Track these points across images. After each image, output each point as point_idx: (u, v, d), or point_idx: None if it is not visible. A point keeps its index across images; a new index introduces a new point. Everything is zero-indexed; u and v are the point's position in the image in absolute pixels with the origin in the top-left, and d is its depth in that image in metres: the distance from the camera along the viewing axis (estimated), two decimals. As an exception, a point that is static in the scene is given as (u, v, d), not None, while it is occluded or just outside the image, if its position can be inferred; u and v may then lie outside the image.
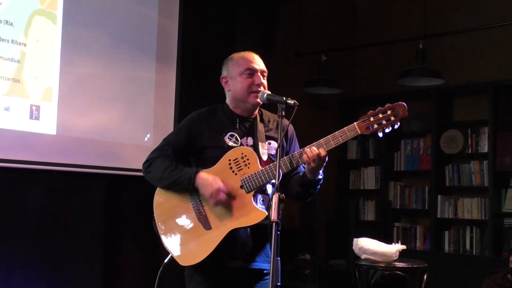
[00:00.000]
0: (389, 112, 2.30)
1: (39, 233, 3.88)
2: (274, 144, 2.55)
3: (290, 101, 2.34)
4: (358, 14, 6.79)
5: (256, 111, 2.61)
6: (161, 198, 2.53)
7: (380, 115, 2.30)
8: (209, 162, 2.48)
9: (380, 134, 2.32)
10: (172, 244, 2.48)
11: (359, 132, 2.33)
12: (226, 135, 2.52)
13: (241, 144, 2.51)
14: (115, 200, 4.29)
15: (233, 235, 2.41)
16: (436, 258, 5.65)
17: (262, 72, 2.57)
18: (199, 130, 2.54)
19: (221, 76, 2.62)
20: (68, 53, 3.97)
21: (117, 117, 4.24)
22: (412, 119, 6.27)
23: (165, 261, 2.61)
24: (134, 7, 4.38)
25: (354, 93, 6.54)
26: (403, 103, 2.28)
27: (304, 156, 2.33)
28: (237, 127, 2.56)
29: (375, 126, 2.30)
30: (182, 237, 2.47)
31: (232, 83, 2.57)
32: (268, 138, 2.57)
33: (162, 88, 4.56)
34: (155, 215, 2.52)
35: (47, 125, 3.86)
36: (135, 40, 4.38)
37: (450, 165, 5.96)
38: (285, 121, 2.48)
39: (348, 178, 6.72)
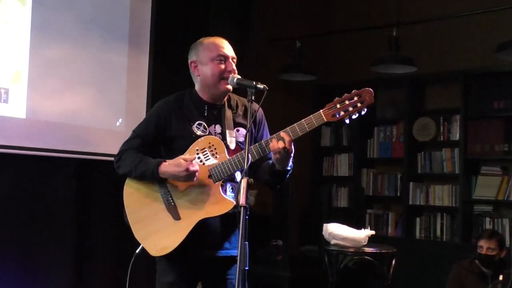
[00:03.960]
0: (355, 98, 2.29)
1: (7, 219, 3.83)
2: (243, 131, 2.54)
3: (260, 86, 2.33)
4: (332, 1, 6.78)
5: (225, 98, 2.60)
6: (131, 188, 2.53)
7: (347, 102, 2.29)
8: (177, 152, 2.47)
9: (347, 121, 2.31)
10: (142, 234, 2.49)
11: (325, 119, 2.32)
12: (194, 124, 2.51)
13: (209, 133, 2.51)
14: (85, 185, 4.25)
15: (202, 224, 2.42)
16: (407, 244, 5.72)
17: (232, 58, 2.56)
18: (168, 119, 2.53)
19: (190, 61, 2.59)
20: (37, 35, 3.91)
21: (88, 101, 4.20)
22: (386, 106, 6.31)
23: (137, 251, 2.61)
24: (106, -11, 4.31)
25: (328, 80, 6.55)
26: (370, 89, 2.27)
27: (270, 145, 2.33)
28: (205, 114, 2.55)
29: (342, 113, 2.29)
30: (151, 228, 2.48)
31: (203, 68, 2.55)
32: (236, 124, 2.56)
33: (135, 73, 4.52)
34: (125, 205, 2.53)
35: (16, 108, 3.80)
36: (107, 23, 4.32)
37: (422, 152, 6.02)
38: (255, 106, 2.44)
39: (322, 165, 6.75)
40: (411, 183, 5.99)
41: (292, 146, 2.33)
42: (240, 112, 2.61)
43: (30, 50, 3.87)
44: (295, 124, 2.34)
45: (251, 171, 2.45)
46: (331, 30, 6.56)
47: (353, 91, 2.30)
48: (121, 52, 4.42)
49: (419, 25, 5.71)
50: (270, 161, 2.50)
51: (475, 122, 5.63)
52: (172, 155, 2.47)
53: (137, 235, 2.49)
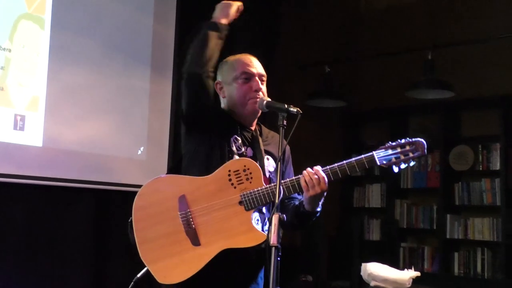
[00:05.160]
0: (407, 147, 2.17)
1: (22, 253, 3.66)
2: (272, 161, 2.33)
3: (293, 109, 2.10)
4: (362, 24, 6.57)
5: (255, 122, 2.38)
6: (143, 202, 2.21)
7: (399, 149, 2.17)
8: (205, 157, 2.23)
9: (396, 169, 2.18)
10: (151, 257, 2.17)
11: (378, 163, 2.16)
12: (231, 137, 2.28)
13: (243, 154, 2.27)
14: (104, 218, 4.05)
15: (225, 255, 2.13)
16: (445, 281, 5.41)
17: (260, 76, 2.34)
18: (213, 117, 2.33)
19: (215, 82, 2.37)
20: (56, 60, 3.75)
21: (108, 129, 4.02)
22: (419, 133, 6.03)
23: (138, 275, 2.32)
24: (128, 12, 4.17)
25: (359, 106, 6.31)
26: (423, 140, 2.17)
27: (302, 182, 2.11)
28: (238, 133, 2.31)
29: (393, 159, 2.15)
30: (163, 250, 2.16)
31: (227, 89, 2.34)
32: (266, 153, 2.34)
33: (157, 99, 4.34)
34: (133, 219, 2.20)
35: (33, 136, 3.63)
36: (129, 47, 4.17)
37: (460, 182, 5.72)
38: (284, 141, 2.26)
39: (352, 195, 6.47)
40: (448, 215, 5.68)
41: (326, 185, 2.12)
42: (270, 141, 2.40)
43: (48, 75, 3.71)
44: (344, 162, 2.14)
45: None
46: (361, 54, 6.34)
47: (406, 140, 2.20)
48: (143, 78, 4.25)
49: (455, 48, 5.47)
50: (296, 201, 2.28)
51: (517, 150, 5.33)
52: (196, 159, 2.25)
53: (145, 257, 2.17)
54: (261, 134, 2.39)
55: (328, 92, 5.64)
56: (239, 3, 2.38)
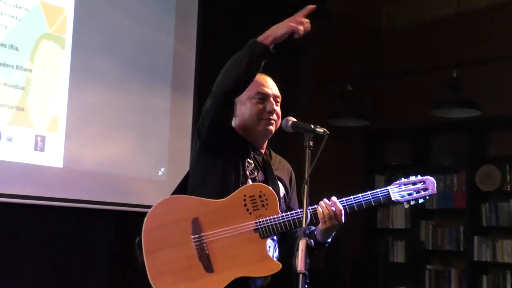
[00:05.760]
0: (419, 185, 2.21)
1: (40, 275, 3.61)
2: (281, 186, 2.30)
3: (319, 130, 2.05)
4: (384, 42, 6.50)
5: (265, 145, 2.34)
6: (154, 223, 2.14)
7: (411, 186, 2.21)
8: (219, 179, 2.17)
9: (406, 206, 2.26)
10: (159, 280, 2.09)
11: (392, 198, 2.19)
12: (245, 159, 2.24)
13: (255, 178, 2.23)
14: (123, 240, 3.98)
15: (239, 284, 2.08)
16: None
17: (275, 97, 2.29)
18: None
19: None
20: (77, 80, 3.72)
21: (129, 149, 3.98)
22: (444, 153, 5.92)
23: None
24: (148, 31, 4.14)
25: (381, 125, 6.21)
26: (433, 179, 2.24)
27: (319, 213, 2.10)
28: (251, 156, 2.27)
29: (406, 196, 2.19)
30: (175, 275, 2.09)
31: (240, 108, 2.29)
32: (276, 178, 2.30)
33: (178, 119, 4.29)
34: (143, 241, 2.13)
35: (53, 157, 3.60)
36: (149, 67, 4.13)
37: (487, 203, 5.59)
38: (287, 163, 2.35)
39: (376, 216, 6.34)
40: (475, 236, 5.55)
41: (343, 218, 2.11)
42: (278, 166, 2.36)
43: (68, 95, 3.68)
44: (360, 196, 2.17)
45: (281, 237, 2.25)
46: (384, 72, 6.26)
47: (417, 177, 2.25)
48: (164, 97, 4.21)
49: (480, 66, 5.37)
50: (306, 231, 2.17)
51: (546, 170, 5.20)
52: (210, 178, 2.18)
53: (152, 279, 2.10)
54: (270, 158, 2.36)
55: (350, 111, 5.56)
56: (307, 25, 2.15)
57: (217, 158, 2.21)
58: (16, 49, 3.47)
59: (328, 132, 2.05)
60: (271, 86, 2.30)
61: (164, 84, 4.21)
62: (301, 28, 2.08)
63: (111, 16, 3.91)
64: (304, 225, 1.90)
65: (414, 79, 5.95)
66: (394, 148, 6.32)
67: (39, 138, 3.55)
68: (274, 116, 2.27)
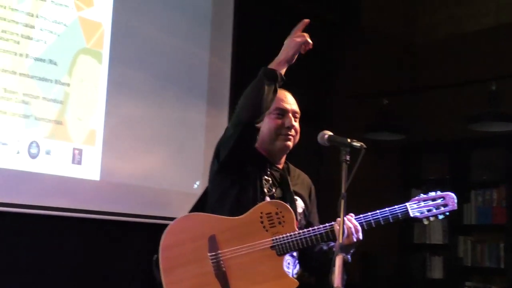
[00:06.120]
0: (438, 201, 2.21)
1: (76, 287, 3.65)
2: (301, 202, 2.31)
3: (356, 144, 2.04)
4: (420, 54, 6.43)
5: (283, 160, 2.34)
6: (171, 240, 2.16)
7: (430, 202, 2.21)
8: (236, 197, 2.19)
9: (426, 222, 2.24)
10: None
11: (411, 215, 2.19)
12: (262, 176, 2.25)
13: (273, 195, 2.25)
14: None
15: None
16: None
17: (293, 112, 2.32)
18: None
19: None
20: (113, 93, 3.77)
21: (164, 162, 4.01)
22: (483, 167, 5.79)
23: None
24: (184, 46, 4.18)
25: (418, 139, 6.11)
26: (453, 194, 2.24)
27: (336, 230, 2.10)
28: (268, 173, 2.28)
29: (425, 212, 2.20)
30: None
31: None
32: (295, 194, 2.31)
33: (213, 132, 4.28)
34: (160, 258, 2.15)
35: (90, 170, 3.64)
36: (185, 81, 4.17)
37: (529, 219, 5.43)
38: (306, 177, 2.35)
39: (412, 231, 6.23)
40: (516, 253, 5.38)
41: (361, 234, 2.12)
42: (297, 181, 2.37)
43: (105, 109, 3.73)
44: (377, 212, 2.17)
45: (301, 256, 2.26)
46: (420, 85, 6.18)
47: (436, 193, 2.25)
48: (199, 111, 4.24)
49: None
50: (324, 246, 2.25)
51: None
52: (226, 203, 2.20)
53: None
54: (289, 173, 2.36)
55: (387, 124, 5.51)
56: (309, 42, 2.22)
57: (235, 177, 2.24)
58: (55, 63, 3.54)
59: (365, 146, 2.03)
60: (290, 102, 2.33)
61: (199, 98, 4.24)
62: (306, 41, 2.18)
63: (147, 30, 3.96)
64: (340, 240, 1.90)
65: (452, 92, 5.85)
66: (432, 162, 6.21)
67: (76, 152, 3.60)
68: (292, 132, 2.30)
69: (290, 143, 2.30)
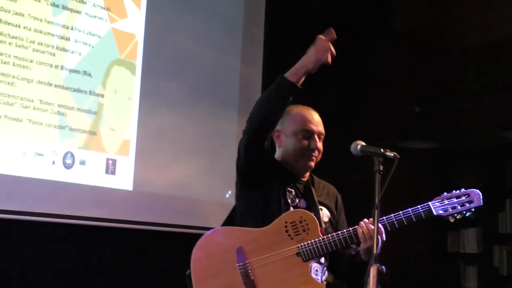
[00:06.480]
0: (463, 198, 2.21)
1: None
2: (326, 211, 2.36)
3: (389, 154, 2.04)
4: (452, 61, 6.35)
5: (307, 175, 2.41)
6: (201, 254, 2.25)
7: (455, 199, 2.21)
8: (261, 209, 2.25)
9: (452, 220, 2.23)
10: None
11: (434, 213, 2.19)
12: (287, 186, 2.31)
13: (297, 206, 2.31)
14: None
15: None
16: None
17: (319, 134, 2.37)
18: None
19: (275, 129, 2.37)
20: (146, 104, 3.81)
21: (197, 172, 4.04)
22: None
23: None
24: (216, 56, 4.21)
25: (451, 148, 6.04)
26: (478, 191, 2.22)
27: (359, 233, 2.14)
28: (291, 185, 2.34)
29: (449, 210, 2.19)
30: None
31: (285, 140, 2.38)
32: (320, 204, 2.37)
33: (245, 142, 4.32)
34: (192, 271, 2.24)
35: (124, 180, 3.68)
36: (217, 90, 4.20)
37: None
38: (332, 187, 2.41)
39: (446, 240, 6.14)
40: (553, 262, 5.27)
41: (384, 235, 2.13)
42: (322, 192, 2.42)
43: (138, 119, 3.77)
44: (400, 213, 2.20)
45: (331, 262, 2.32)
46: (453, 92, 6.10)
47: (461, 190, 2.25)
48: (231, 120, 4.25)
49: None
50: (352, 250, 2.30)
51: None
52: (254, 206, 2.28)
53: None
54: (313, 185, 2.41)
55: (419, 132, 5.46)
56: (333, 51, 2.25)
57: (258, 189, 2.31)
58: (89, 75, 3.59)
59: (398, 156, 2.04)
60: (316, 123, 2.38)
61: (231, 107, 4.26)
62: (329, 57, 2.20)
63: (179, 41, 4.00)
64: (375, 251, 1.90)
65: (486, 99, 5.78)
66: (465, 170, 6.12)
67: (110, 162, 3.65)
68: (316, 153, 2.37)
69: (313, 163, 2.38)
